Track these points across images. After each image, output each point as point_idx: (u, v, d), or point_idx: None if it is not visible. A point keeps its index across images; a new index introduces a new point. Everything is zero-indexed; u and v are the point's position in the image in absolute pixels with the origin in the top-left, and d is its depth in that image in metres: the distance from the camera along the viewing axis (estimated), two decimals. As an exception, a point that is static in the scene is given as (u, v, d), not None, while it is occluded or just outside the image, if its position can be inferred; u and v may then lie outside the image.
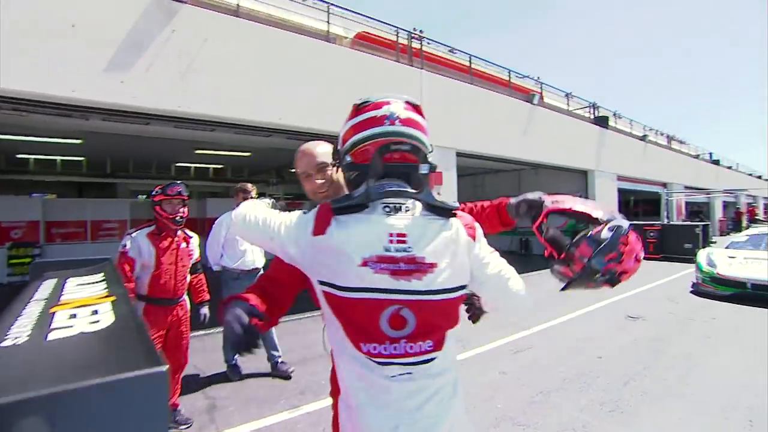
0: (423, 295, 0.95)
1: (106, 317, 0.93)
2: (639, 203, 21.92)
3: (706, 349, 4.51)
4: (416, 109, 1.06)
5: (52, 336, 0.78)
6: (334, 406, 1.17)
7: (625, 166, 14.85)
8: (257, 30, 5.84)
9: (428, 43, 11.67)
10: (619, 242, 1.05)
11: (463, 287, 1.03)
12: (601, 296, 7.33)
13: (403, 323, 0.95)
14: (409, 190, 1.02)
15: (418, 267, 0.95)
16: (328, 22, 7.09)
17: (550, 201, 1.24)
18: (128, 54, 4.72)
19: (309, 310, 1.94)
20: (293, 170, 1.47)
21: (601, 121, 13.99)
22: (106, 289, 1.42)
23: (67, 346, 0.75)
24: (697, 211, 23.63)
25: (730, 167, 27.83)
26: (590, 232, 1.08)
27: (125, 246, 2.80)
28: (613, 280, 1.08)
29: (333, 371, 1.19)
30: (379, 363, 0.94)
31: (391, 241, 0.95)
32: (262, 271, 3.88)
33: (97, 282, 1.54)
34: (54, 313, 0.95)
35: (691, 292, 7.62)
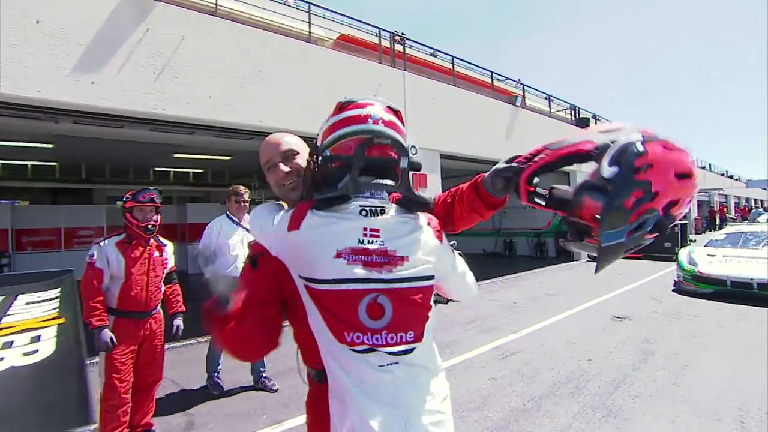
0: (396, 283, 0.99)
1: (46, 347, 0.82)
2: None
3: (693, 348, 4.53)
4: (397, 114, 1.10)
5: (-26, 371, 0.67)
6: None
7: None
8: (236, 30, 5.67)
9: (410, 46, 11.66)
10: (636, 169, 0.78)
11: (431, 278, 1.06)
12: (585, 297, 7.38)
13: (381, 312, 0.97)
14: (390, 182, 1.05)
15: (389, 259, 0.99)
16: (309, 22, 6.96)
17: (523, 159, 1.05)
18: (99, 53, 4.50)
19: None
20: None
21: (583, 123, 14.19)
22: (57, 309, 1.28)
23: (-12, 385, 0.64)
24: (676, 210, 24.25)
25: (704, 167, 28.66)
26: (587, 178, 0.86)
27: (92, 256, 2.62)
28: (661, 225, 0.82)
29: (310, 394, 1.22)
30: (360, 352, 0.95)
31: (365, 235, 0.99)
32: None
33: (50, 299, 1.40)
34: (-12, 340, 0.83)
35: (674, 290, 7.71)
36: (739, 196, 34.13)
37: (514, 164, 1.06)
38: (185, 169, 12.80)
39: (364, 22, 8.62)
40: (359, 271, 0.96)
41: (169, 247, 2.98)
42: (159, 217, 2.82)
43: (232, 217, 3.66)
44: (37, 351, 0.82)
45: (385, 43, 8.41)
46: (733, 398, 3.30)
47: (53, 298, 1.42)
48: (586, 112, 15.17)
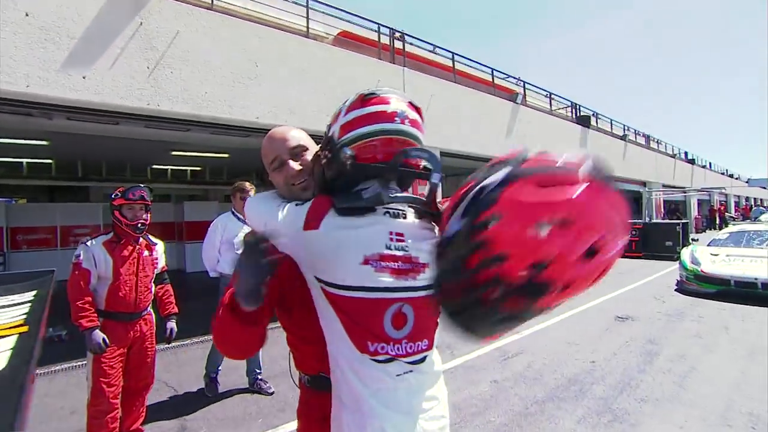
0: (419, 291, 0.96)
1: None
2: (619, 202, 22.27)
3: (699, 350, 4.43)
4: (418, 111, 1.05)
5: None
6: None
7: (607, 165, 14.96)
8: (232, 24, 5.55)
9: (410, 43, 11.52)
10: (476, 225, 0.61)
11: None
12: (587, 296, 7.30)
13: (404, 321, 0.95)
14: (419, 198, 1.02)
15: (413, 266, 0.96)
16: (307, 17, 6.83)
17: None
18: (91, 47, 4.38)
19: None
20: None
21: (584, 121, 14.10)
22: (24, 316, 1.19)
23: None
24: (674, 209, 24.20)
25: (704, 166, 28.58)
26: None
27: (78, 256, 2.51)
28: (536, 291, 0.62)
29: (301, 400, 1.16)
30: (381, 362, 0.92)
31: (391, 239, 0.95)
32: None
33: (20, 304, 1.30)
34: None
35: (676, 290, 7.63)
36: (740, 195, 34.05)
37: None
38: (183, 167, 12.68)
39: (364, 18, 8.48)
40: (387, 280, 0.93)
41: (160, 246, 2.87)
42: (149, 215, 2.72)
43: (237, 214, 3.56)
44: (-12, 364, 0.72)
45: (385, 40, 8.30)
46: (743, 403, 3.20)
47: (25, 302, 1.32)
48: (587, 110, 15.05)
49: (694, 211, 24.23)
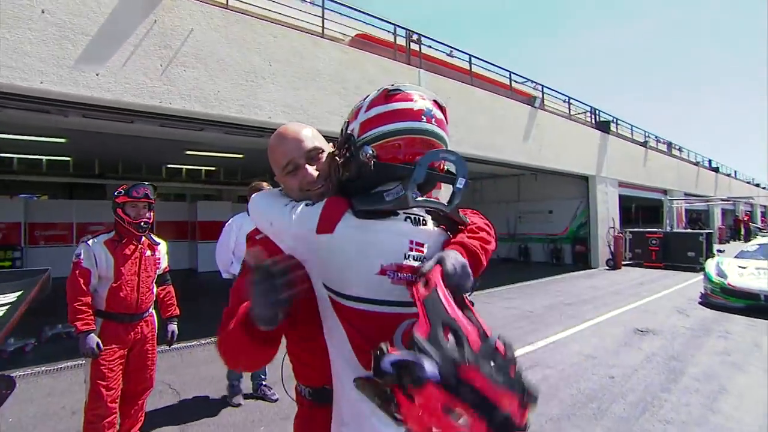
0: None
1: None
2: (638, 210, 21.71)
3: (729, 369, 4.16)
4: (443, 110, 0.98)
5: None
6: None
7: (627, 173, 14.60)
8: (246, 23, 5.51)
9: (429, 46, 11.40)
10: (402, 389, 0.64)
11: None
12: (604, 307, 7.03)
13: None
14: (444, 204, 0.96)
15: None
16: (323, 17, 6.77)
17: (423, 277, 0.83)
18: (105, 45, 4.38)
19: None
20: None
21: (603, 126, 13.75)
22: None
23: None
24: (696, 218, 23.46)
25: (729, 175, 27.69)
26: (390, 349, 0.70)
27: (79, 255, 2.44)
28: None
29: (301, 415, 1.08)
30: None
31: (411, 249, 0.89)
32: None
33: (2, 306, 1.22)
34: None
35: (700, 303, 7.29)
36: (766, 206, 32.88)
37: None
38: (197, 167, 12.78)
39: (380, 18, 8.40)
40: (403, 293, 0.86)
41: (162, 246, 2.79)
42: (152, 214, 2.64)
43: None
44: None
45: (401, 42, 8.20)
46: (779, 430, 2.97)
47: (5, 305, 1.23)
48: (607, 116, 14.69)
49: (717, 221, 23.46)
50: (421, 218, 0.96)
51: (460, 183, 0.94)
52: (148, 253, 2.66)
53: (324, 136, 1.11)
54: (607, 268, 12.47)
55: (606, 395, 3.58)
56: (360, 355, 0.86)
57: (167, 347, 2.81)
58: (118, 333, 2.52)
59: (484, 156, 9.10)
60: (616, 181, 13.99)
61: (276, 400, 3.43)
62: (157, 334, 2.74)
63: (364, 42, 8.70)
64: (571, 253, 13.57)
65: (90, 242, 2.49)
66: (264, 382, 3.53)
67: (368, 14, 8.14)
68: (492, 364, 0.61)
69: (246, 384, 3.52)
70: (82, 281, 2.40)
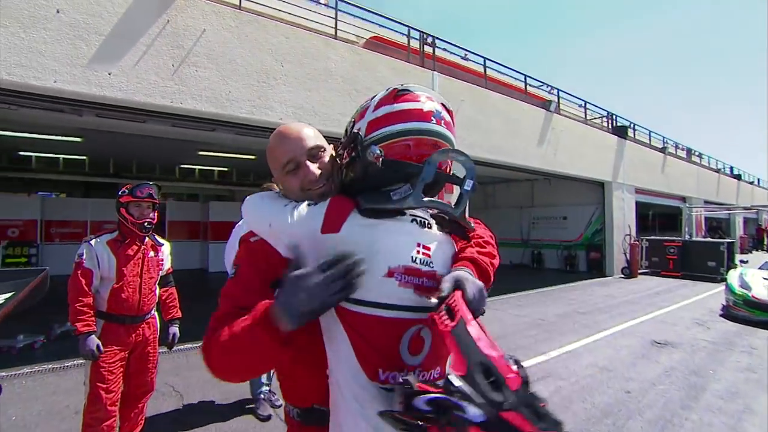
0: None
1: None
2: (655, 217, 21.21)
3: (754, 387, 3.95)
4: (450, 113, 0.96)
5: None
6: None
7: (644, 179, 14.25)
8: (259, 23, 5.50)
9: (444, 49, 11.31)
10: (439, 430, 0.64)
11: None
12: (620, 317, 6.81)
13: (420, 347, 0.85)
14: (451, 205, 0.93)
15: (437, 284, 0.85)
16: (336, 18, 6.74)
17: (447, 308, 0.80)
18: (118, 44, 4.40)
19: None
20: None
21: (620, 132, 13.46)
22: None
23: None
24: (716, 227, 22.81)
25: (752, 182, 26.89)
26: (418, 386, 0.69)
27: (81, 255, 2.41)
28: None
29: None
30: (390, 390, 0.81)
31: (418, 252, 0.87)
32: None
33: None
34: None
35: (722, 315, 7.01)
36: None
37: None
38: (210, 167, 12.88)
39: (394, 20, 8.34)
40: (410, 297, 0.84)
41: (166, 247, 2.75)
42: (156, 214, 2.60)
43: None
44: None
45: (416, 45, 8.13)
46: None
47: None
48: (624, 121, 14.38)
49: (739, 230, 22.77)
50: (426, 221, 0.94)
51: (468, 185, 0.91)
52: (152, 254, 2.62)
53: (334, 138, 1.09)
54: (623, 276, 12.16)
55: (622, 411, 3.42)
56: (364, 363, 0.82)
57: (168, 350, 2.75)
58: (119, 335, 2.48)
59: (497, 160, 8.95)
60: (633, 187, 13.66)
61: (279, 406, 3.35)
62: (159, 336, 2.70)
63: (378, 44, 8.66)
64: (585, 260, 13.28)
65: (92, 242, 2.45)
66: (269, 387, 3.46)
67: (381, 15, 8.08)
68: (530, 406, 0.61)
69: (240, 388, 3.46)
70: (83, 281, 2.37)
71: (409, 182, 0.87)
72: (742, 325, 6.34)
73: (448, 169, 0.97)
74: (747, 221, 25.88)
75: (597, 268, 12.75)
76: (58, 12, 4.08)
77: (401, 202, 0.86)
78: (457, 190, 0.95)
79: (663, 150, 15.92)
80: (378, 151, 0.85)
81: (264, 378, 3.36)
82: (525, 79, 10.94)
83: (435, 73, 7.76)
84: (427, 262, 0.88)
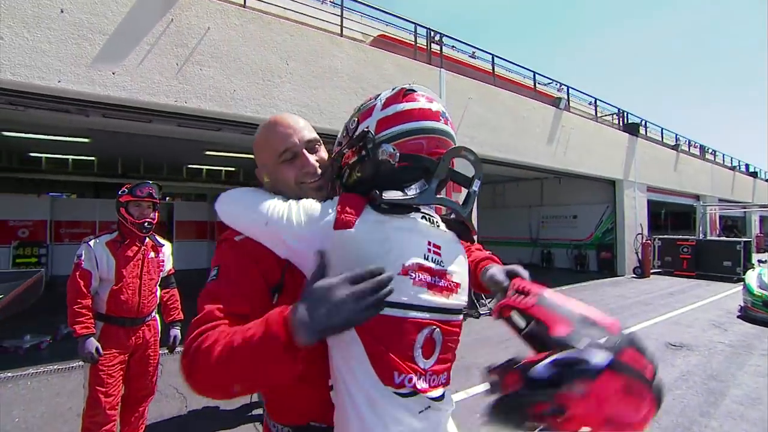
0: (450, 314, 0.87)
1: None
2: (668, 216, 20.83)
3: (775, 393, 3.80)
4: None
5: None
6: None
7: (656, 177, 13.98)
8: (263, 21, 5.44)
9: (452, 47, 11.19)
10: (568, 389, 0.64)
11: (461, 312, 0.94)
12: (633, 318, 6.65)
13: (432, 349, 0.84)
14: (459, 204, 0.94)
15: (447, 284, 0.87)
16: (341, 16, 6.66)
17: (516, 291, 0.87)
18: (121, 44, 4.37)
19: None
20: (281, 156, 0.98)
21: (631, 129, 13.21)
22: None
23: None
24: (731, 225, 22.33)
25: (768, 180, 26.28)
26: (525, 360, 0.71)
27: (80, 256, 2.36)
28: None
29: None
30: (404, 395, 0.79)
31: (429, 250, 0.86)
32: None
33: None
34: None
35: (739, 317, 6.80)
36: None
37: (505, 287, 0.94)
38: (217, 167, 12.90)
39: (401, 17, 8.24)
40: (424, 296, 0.82)
41: (167, 248, 2.69)
42: (156, 214, 2.55)
43: None
44: None
45: (422, 43, 8.02)
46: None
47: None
48: (636, 118, 14.11)
49: (755, 229, 22.27)
50: (435, 220, 0.94)
51: (476, 185, 0.93)
52: (152, 254, 2.57)
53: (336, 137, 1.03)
54: (635, 276, 11.93)
55: (637, 417, 3.29)
56: (379, 367, 0.77)
57: (169, 353, 2.70)
58: (118, 337, 2.43)
59: (506, 158, 8.80)
60: (645, 185, 13.40)
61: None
62: (160, 339, 2.65)
63: (385, 42, 8.57)
64: (596, 259, 13.06)
65: (91, 242, 2.41)
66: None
67: (387, 12, 7.99)
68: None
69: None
70: (82, 283, 2.32)
71: (421, 180, 0.87)
72: (762, 327, 6.14)
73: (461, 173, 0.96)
74: (763, 219, 25.32)
75: (608, 268, 12.53)
76: (62, 12, 4.06)
77: (418, 197, 0.84)
78: (462, 191, 0.94)
79: (676, 147, 15.60)
80: (392, 149, 0.84)
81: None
82: (534, 76, 10.78)
83: (442, 70, 7.65)
84: (438, 261, 0.86)
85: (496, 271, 1.01)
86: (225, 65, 5.03)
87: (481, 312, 6.52)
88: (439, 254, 0.87)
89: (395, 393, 0.78)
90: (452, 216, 0.98)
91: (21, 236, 9.35)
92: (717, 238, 14.51)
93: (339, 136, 0.99)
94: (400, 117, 0.87)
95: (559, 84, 13.04)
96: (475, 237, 1.02)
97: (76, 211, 10.43)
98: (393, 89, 0.92)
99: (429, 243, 0.86)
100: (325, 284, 0.70)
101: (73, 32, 4.11)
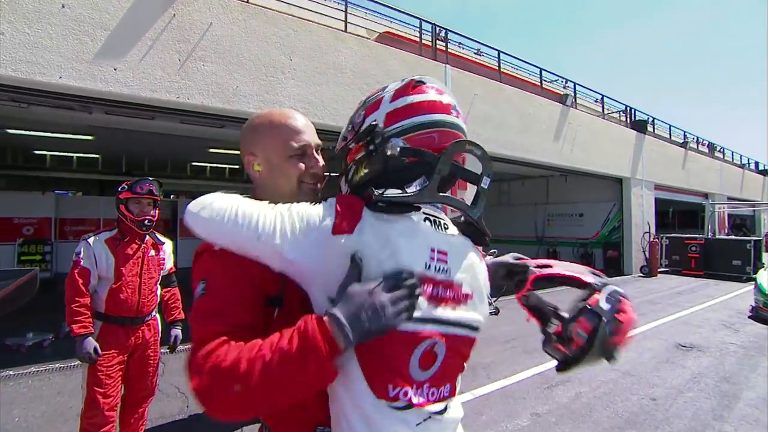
0: (455, 327, 0.81)
1: None
2: (675, 214, 20.59)
3: (790, 396, 3.70)
4: None
5: None
6: None
7: (664, 175, 13.80)
8: (266, 17, 5.37)
9: (459, 44, 11.07)
10: (618, 310, 0.86)
11: (478, 329, 0.87)
12: (641, 318, 6.54)
13: (432, 361, 0.79)
14: (467, 203, 0.88)
15: (455, 295, 0.81)
16: (345, 11, 6.58)
17: (534, 266, 1.04)
18: (123, 39, 4.32)
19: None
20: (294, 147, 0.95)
21: (639, 126, 13.03)
22: None
23: None
24: (740, 224, 22.04)
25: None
26: (587, 303, 0.87)
27: (78, 254, 2.32)
28: (611, 356, 0.86)
29: None
30: (399, 409, 0.75)
31: (432, 257, 0.79)
32: None
33: None
34: None
35: (750, 317, 6.68)
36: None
37: (527, 264, 1.05)
38: (221, 165, 12.90)
39: (406, 12, 8.15)
40: (424, 308, 0.76)
41: (168, 246, 2.64)
42: (157, 211, 2.49)
43: None
44: None
45: (428, 39, 7.93)
46: None
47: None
48: (643, 115, 13.92)
49: (765, 228, 21.96)
50: (443, 222, 0.86)
51: (485, 182, 0.86)
52: (152, 253, 2.52)
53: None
54: (642, 275, 11.79)
55: (648, 420, 3.21)
56: (372, 380, 0.74)
57: (170, 353, 2.64)
58: (117, 337, 2.38)
59: (512, 156, 8.71)
60: (653, 183, 13.24)
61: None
62: (160, 338, 2.60)
63: (390, 39, 8.49)
64: (602, 258, 12.92)
65: (90, 240, 2.36)
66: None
67: (391, 7, 7.90)
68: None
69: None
70: (80, 281, 2.27)
71: (422, 177, 0.81)
72: (774, 328, 6.03)
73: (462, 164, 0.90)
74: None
75: (614, 267, 12.39)
76: (63, 7, 4.02)
77: (416, 195, 0.78)
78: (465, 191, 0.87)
79: (684, 145, 15.39)
80: (402, 143, 0.78)
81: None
82: (540, 72, 10.64)
83: (447, 66, 7.55)
84: (442, 269, 0.79)
85: (509, 257, 1.10)
86: (227, 61, 4.97)
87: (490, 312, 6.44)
88: (444, 261, 0.80)
89: (390, 406, 0.75)
90: (462, 218, 0.91)
91: (26, 234, 9.35)
92: (726, 237, 14.31)
93: (343, 130, 0.92)
94: (410, 109, 0.82)
95: (565, 81, 12.90)
96: (488, 239, 0.94)
97: (80, 208, 10.43)
98: (402, 81, 0.87)
99: (432, 250, 0.79)
100: (364, 290, 0.69)
101: (75, 27, 4.07)
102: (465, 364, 0.88)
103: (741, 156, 21.32)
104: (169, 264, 2.65)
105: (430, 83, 0.86)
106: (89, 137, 8.13)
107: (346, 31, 6.43)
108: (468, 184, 0.89)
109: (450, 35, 8.52)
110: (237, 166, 12.97)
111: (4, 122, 7.12)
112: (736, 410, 3.37)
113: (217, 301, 0.76)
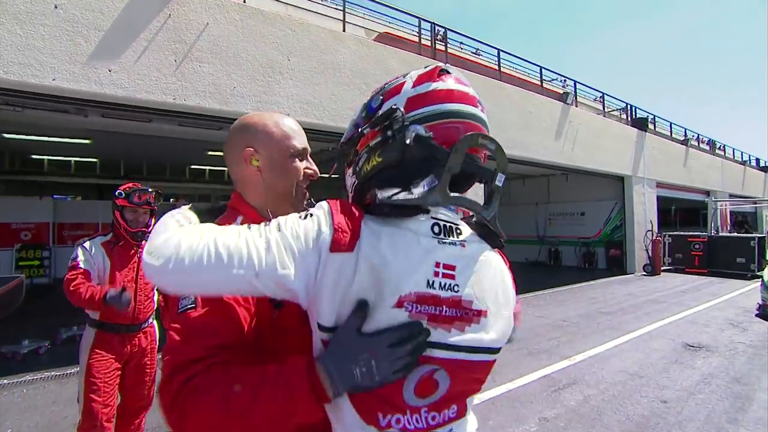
0: (464, 352, 0.69)
1: None
2: (677, 212, 20.52)
3: (804, 397, 3.62)
4: None
5: None
6: None
7: (666, 173, 13.72)
8: (264, 17, 5.30)
9: (460, 44, 11.01)
10: None
11: (499, 351, 0.75)
12: (647, 317, 6.47)
13: (433, 389, 0.69)
14: (481, 204, 0.76)
15: (463, 314, 0.69)
16: (344, 11, 6.51)
17: None
18: (118, 40, 4.25)
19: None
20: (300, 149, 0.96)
21: (640, 124, 12.97)
22: None
23: None
24: (742, 221, 21.96)
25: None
26: None
27: (75, 258, 2.26)
28: None
29: None
30: None
31: (436, 273, 0.68)
32: None
33: None
34: None
35: (757, 315, 6.59)
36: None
37: None
38: (220, 168, 12.82)
39: (404, 11, 8.09)
40: None
41: (164, 250, 2.55)
42: (153, 220, 2.42)
43: None
44: None
45: (426, 37, 7.86)
46: None
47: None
48: (644, 113, 13.86)
49: (766, 224, 21.89)
50: (455, 227, 0.75)
51: (500, 180, 0.77)
52: (147, 257, 2.43)
53: (341, 135, 0.94)
54: (645, 273, 11.70)
55: (660, 424, 3.12)
56: (360, 407, 0.66)
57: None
58: (113, 345, 2.30)
59: (513, 154, 8.61)
60: (654, 181, 13.16)
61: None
62: (158, 346, 2.51)
63: (389, 39, 8.42)
64: (604, 257, 12.85)
65: (86, 244, 2.31)
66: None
67: (390, 6, 7.83)
68: None
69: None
70: (80, 277, 2.21)
71: (430, 175, 0.71)
72: (781, 326, 5.94)
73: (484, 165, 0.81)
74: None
75: (617, 266, 12.32)
76: (56, 7, 3.94)
77: (424, 196, 0.68)
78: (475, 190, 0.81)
79: (685, 142, 15.32)
80: (423, 131, 0.70)
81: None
82: (540, 71, 10.57)
83: (447, 65, 7.47)
84: (450, 286, 0.69)
85: None
86: (224, 62, 4.90)
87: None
88: (451, 277, 0.69)
89: None
90: (473, 218, 0.81)
91: (24, 239, 9.29)
92: (730, 234, 14.22)
93: (355, 117, 0.84)
94: (435, 96, 0.75)
95: (565, 79, 12.83)
96: (503, 241, 0.82)
97: (79, 213, 10.38)
98: (425, 67, 0.81)
99: (437, 264, 0.69)
100: (362, 343, 0.63)
101: (68, 28, 3.99)
102: (481, 386, 0.78)
103: (742, 153, 21.26)
104: (166, 269, 2.57)
105: (455, 74, 0.81)
106: (86, 141, 8.06)
107: (344, 30, 6.36)
108: (482, 181, 0.80)
109: (449, 35, 8.46)
110: (236, 169, 12.92)
111: (-1, 126, 7.06)
112: (750, 413, 3.28)
113: (206, 316, 0.68)
